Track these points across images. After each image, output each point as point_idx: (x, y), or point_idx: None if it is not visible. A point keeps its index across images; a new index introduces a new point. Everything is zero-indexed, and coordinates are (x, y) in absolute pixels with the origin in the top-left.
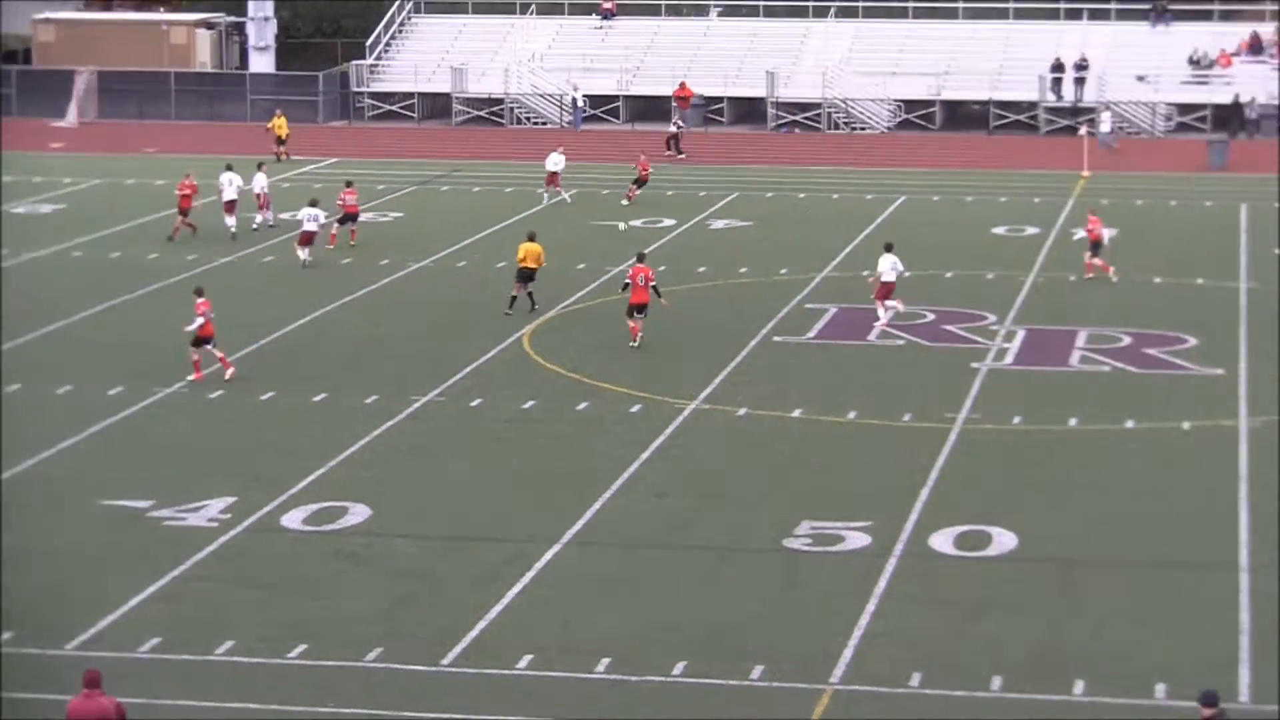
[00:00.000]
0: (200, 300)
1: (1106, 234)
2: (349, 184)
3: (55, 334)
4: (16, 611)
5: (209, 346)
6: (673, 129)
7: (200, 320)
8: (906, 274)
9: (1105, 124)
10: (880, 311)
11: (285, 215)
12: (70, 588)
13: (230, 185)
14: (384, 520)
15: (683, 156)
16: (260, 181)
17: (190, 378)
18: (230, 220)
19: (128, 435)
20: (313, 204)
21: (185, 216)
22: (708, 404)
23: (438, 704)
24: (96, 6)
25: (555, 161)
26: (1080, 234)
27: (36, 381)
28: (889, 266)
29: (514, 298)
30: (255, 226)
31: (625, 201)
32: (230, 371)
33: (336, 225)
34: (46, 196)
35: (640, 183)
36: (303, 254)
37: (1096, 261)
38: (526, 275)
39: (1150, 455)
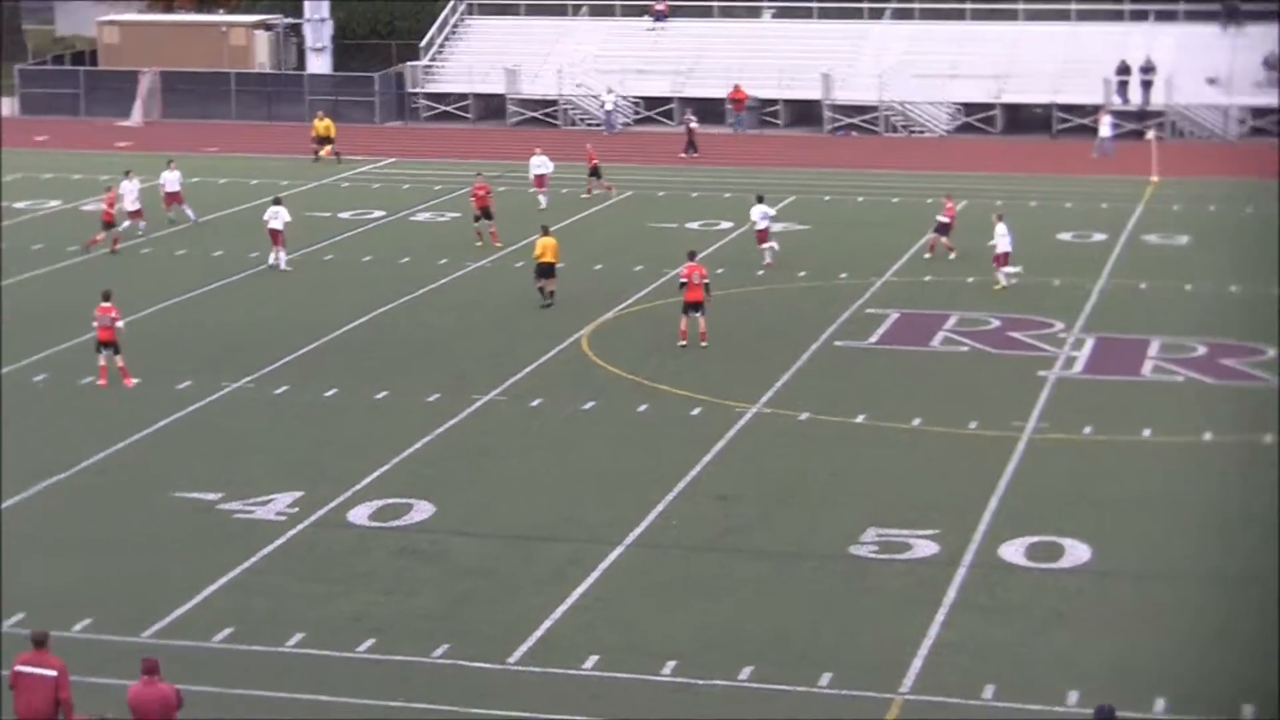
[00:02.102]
0: (104, 304)
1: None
2: (479, 174)
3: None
4: (93, 599)
5: (112, 352)
6: (687, 126)
7: (97, 324)
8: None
9: (1105, 128)
10: (767, 254)
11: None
12: (144, 577)
13: (130, 194)
14: (447, 518)
15: (696, 155)
16: (162, 180)
17: (97, 382)
18: (140, 223)
19: (197, 429)
20: (276, 202)
21: (110, 229)
22: (769, 408)
23: (506, 702)
24: (158, 8)
25: (538, 164)
26: (942, 218)
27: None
28: (760, 215)
29: (549, 293)
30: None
31: (584, 195)
32: (131, 383)
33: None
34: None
35: (594, 173)
36: (272, 256)
37: (943, 241)
38: (545, 270)
39: (1227, 468)
